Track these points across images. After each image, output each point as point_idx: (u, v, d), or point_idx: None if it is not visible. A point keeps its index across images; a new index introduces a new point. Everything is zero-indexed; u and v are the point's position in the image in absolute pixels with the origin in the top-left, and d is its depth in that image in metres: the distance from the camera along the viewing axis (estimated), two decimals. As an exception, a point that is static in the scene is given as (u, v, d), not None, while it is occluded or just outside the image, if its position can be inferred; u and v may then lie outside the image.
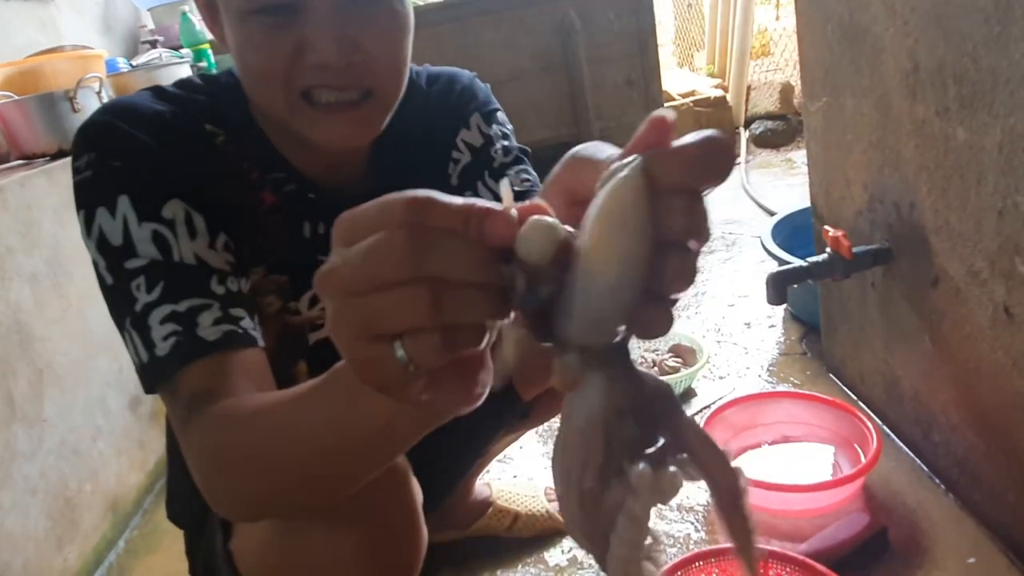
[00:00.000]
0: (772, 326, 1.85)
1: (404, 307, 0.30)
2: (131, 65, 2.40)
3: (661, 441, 0.35)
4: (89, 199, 0.65)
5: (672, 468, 0.34)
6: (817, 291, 1.56)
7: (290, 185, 0.77)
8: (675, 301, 0.32)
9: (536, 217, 0.31)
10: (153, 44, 2.77)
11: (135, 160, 0.66)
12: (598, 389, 0.34)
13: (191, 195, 0.67)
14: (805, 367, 1.64)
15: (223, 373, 0.60)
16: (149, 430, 1.63)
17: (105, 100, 1.74)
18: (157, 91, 0.73)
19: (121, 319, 0.63)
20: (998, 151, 0.87)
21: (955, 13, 0.90)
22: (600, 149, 0.38)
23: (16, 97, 1.66)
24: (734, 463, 0.35)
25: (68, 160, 0.68)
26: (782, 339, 1.78)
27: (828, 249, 1.21)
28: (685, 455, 0.35)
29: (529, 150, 0.89)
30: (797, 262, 1.25)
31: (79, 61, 1.93)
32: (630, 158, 0.31)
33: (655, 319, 0.32)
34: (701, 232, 0.31)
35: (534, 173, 0.86)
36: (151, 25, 2.94)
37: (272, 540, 0.67)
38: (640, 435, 0.34)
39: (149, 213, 0.64)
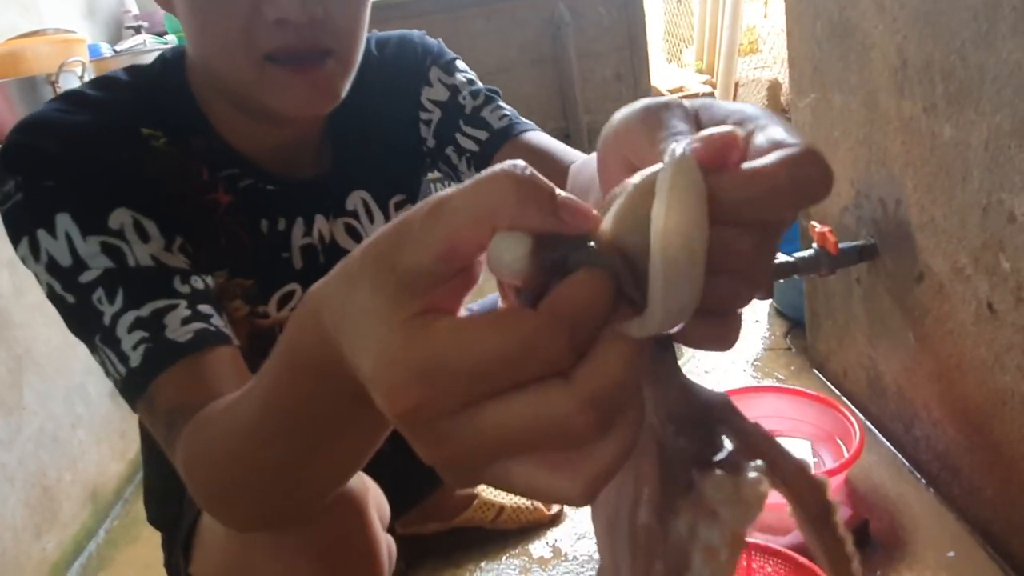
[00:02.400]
0: (757, 321, 1.86)
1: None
2: (115, 51, 2.37)
3: (729, 446, 0.29)
4: (25, 224, 0.60)
5: (753, 473, 0.28)
6: (802, 287, 1.57)
7: (245, 180, 0.73)
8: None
9: (502, 234, 0.25)
10: (137, 30, 2.73)
11: (68, 177, 0.61)
12: (647, 399, 0.28)
13: (137, 203, 0.62)
14: (789, 362, 1.65)
15: (198, 380, 0.55)
16: (130, 419, 1.61)
17: (88, 84, 1.72)
18: (74, 98, 0.66)
19: (91, 337, 0.59)
20: (984, 148, 0.88)
21: (944, 10, 0.91)
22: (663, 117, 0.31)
23: (-4, 80, 1.63)
24: (817, 475, 0.30)
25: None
26: (767, 334, 1.79)
27: (814, 245, 1.22)
28: (760, 462, 0.29)
29: (499, 90, 0.86)
30: (784, 257, 1.26)
31: (61, 45, 1.90)
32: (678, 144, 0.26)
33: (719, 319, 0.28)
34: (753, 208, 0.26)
35: (510, 108, 0.84)
36: (135, 11, 2.90)
37: (228, 567, 0.64)
38: (701, 449, 0.29)
39: (94, 226, 0.60)
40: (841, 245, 1.19)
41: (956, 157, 0.94)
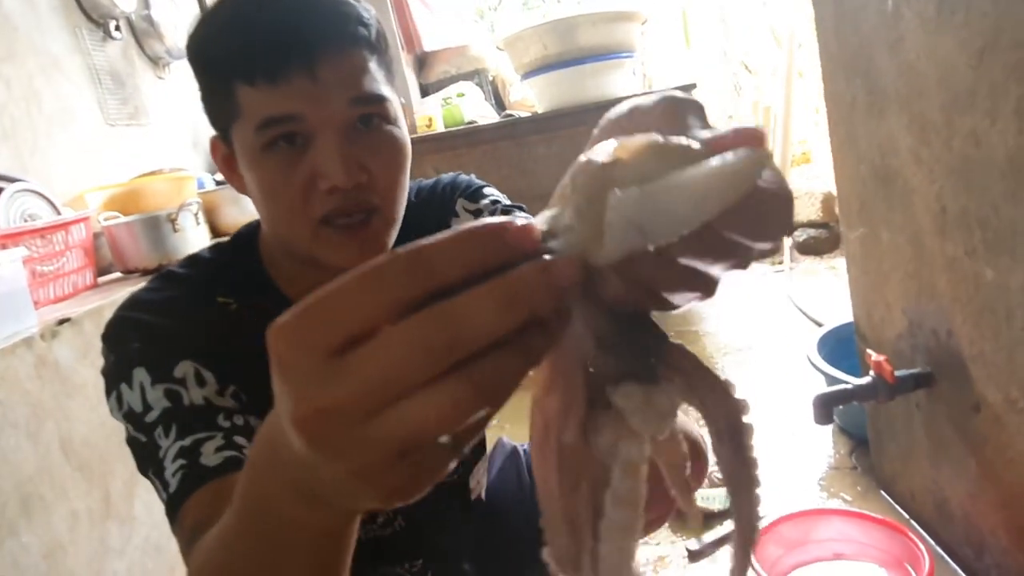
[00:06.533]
0: (821, 438, 1.87)
1: (447, 412, 0.26)
2: (215, 180, 2.65)
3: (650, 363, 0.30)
4: (114, 381, 0.71)
5: (664, 384, 0.29)
6: (864, 407, 1.60)
7: None
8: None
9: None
10: (234, 160, 3.04)
11: (148, 338, 0.73)
12: (577, 322, 0.29)
13: (204, 357, 0.73)
14: (856, 482, 1.66)
15: (221, 500, 0.60)
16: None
17: (201, 220, 1.94)
18: (166, 276, 0.81)
19: (148, 471, 0.68)
20: (1022, 292, 0.95)
21: (974, 168, 1.00)
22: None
23: (123, 217, 1.87)
24: (742, 404, 0.30)
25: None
26: (832, 452, 1.81)
27: (871, 372, 1.27)
28: (677, 380, 0.30)
29: (524, 207, 0.93)
30: (842, 383, 1.31)
31: (175, 183, 2.16)
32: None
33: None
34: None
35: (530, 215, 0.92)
36: (233, 143, 3.24)
37: None
38: (627, 367, 0.29)
39: (161, 376, 0.70)
40: (897, 373, 1.24)
41: (999, 297, 1.00)
